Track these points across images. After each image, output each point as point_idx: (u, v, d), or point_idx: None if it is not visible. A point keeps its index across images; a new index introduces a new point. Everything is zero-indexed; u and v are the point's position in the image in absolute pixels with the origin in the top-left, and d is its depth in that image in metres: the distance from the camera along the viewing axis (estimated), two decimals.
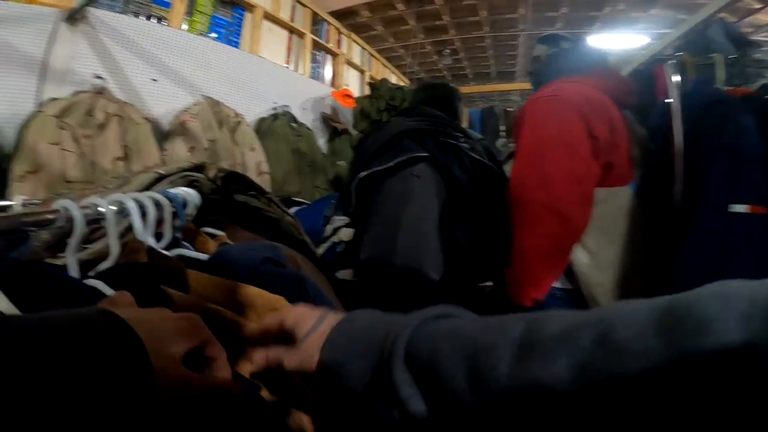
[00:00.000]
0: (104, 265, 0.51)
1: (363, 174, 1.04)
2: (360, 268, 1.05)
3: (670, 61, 1.14)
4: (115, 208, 0.52)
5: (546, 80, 1.16)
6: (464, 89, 3.55)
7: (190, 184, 0.68)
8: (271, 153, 2.12)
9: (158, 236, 0.59)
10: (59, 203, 0.48)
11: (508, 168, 1.15)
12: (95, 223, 0.52)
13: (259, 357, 0.34)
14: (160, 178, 0.68)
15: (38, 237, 0.59)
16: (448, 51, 5.94)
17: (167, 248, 0.59)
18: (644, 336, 0.16)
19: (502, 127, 3.63)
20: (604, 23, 5.43)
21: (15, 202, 1.14)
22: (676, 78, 1.11)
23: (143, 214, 0.55)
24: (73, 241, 0.44)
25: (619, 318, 0.17)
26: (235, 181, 0.74)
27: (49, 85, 1.63)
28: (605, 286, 0.98)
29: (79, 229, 0.46)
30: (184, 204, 0.63)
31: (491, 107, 3.72)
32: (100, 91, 1.66)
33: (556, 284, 1.02)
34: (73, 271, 0.45)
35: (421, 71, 6.30)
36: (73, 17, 1.72)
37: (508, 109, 3.89)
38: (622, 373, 0.15)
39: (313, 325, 0.32)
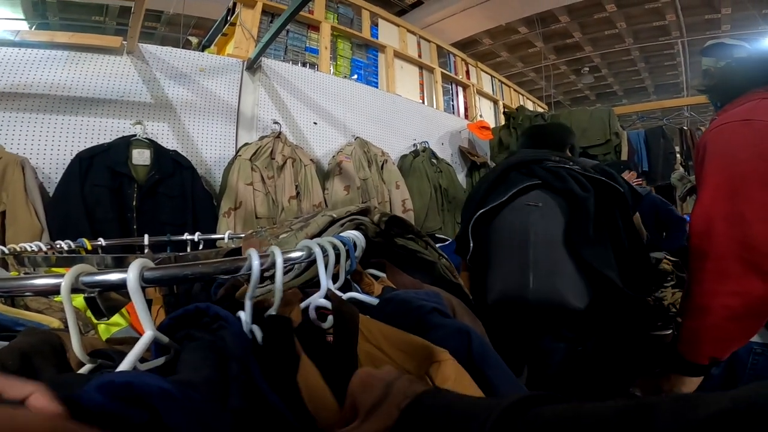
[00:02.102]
0: (270, 311, 0.53)
1: (480, 211, 1.06)
2: (488, 312, 1.01)
3: None
4: (302, 253, 0.58)
5: (727, 98, 0.96)
6: (618, 110, 3.19)
7: (357, 227, 0.74)
8: (414, 189, 2.21)
9: (333, 278, 0.62)
10: (269, 249, 0.54)
11: (688, 206, 0.97)
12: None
13: None
14: (333, 222, 0.75)
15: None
16: (587, 69, 5.58)
17: (341, 290, 0.62)
18: None
19: (677, 149, 3.16)
20: None
21: (224, 235, 1.39)
22: None
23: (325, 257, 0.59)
24: (251, 287, 0.49)
25: None
26: (396, 224, 0.78)
27: (242, 130, 1.99)
28: None
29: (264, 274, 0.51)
30: (354, 247, 0.66)
31: (659, 127, 3.25)
32: (278, 135, 1.95)
33: (755, 339, 0.84)
34: (248, 313, 0.49)
35: (558, 94, 6.03)
36: (252, 66, 2.09)
37: (684, 128, 3.36)
38: None
39: (380, 397, 0.29)
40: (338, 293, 0.60)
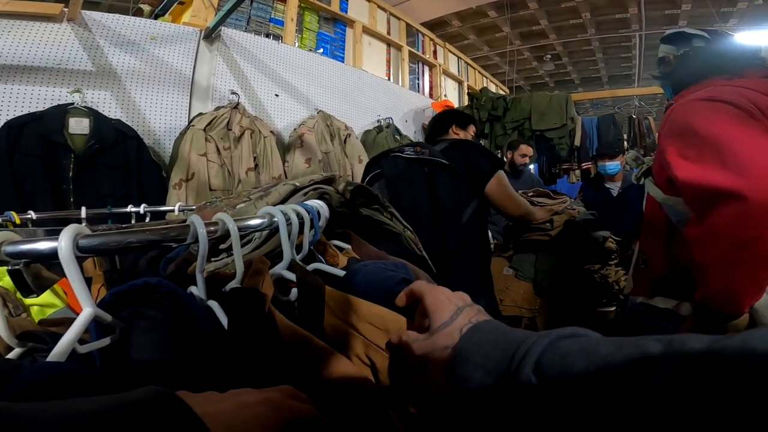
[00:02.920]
0: (231, 285, 0.50)
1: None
2: None
3: None
4: (262, 220, 0.53)
5: (683, 85, 1.00)
6: (574, 96, 3.28)
7: (321, 197, 0.70)
8: None
9: (296, 248, 0.59)
10: (217, 216, 0.50)
11: (649, 186, 1.00)
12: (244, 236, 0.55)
13: (394, 337, 0.38)
14: (295, 191, 0.71)
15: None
16: (548, 56, 5.67)
17: (304, 261, 0.59)
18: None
19: (625, 135, 3.30)
20: (741, 19, 4.76)
21: (175, 207, 1.29)
22: None
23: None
24: (200, 258, 0.44)
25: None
26: (362, 194, 0.75)
27: (195, 100, 1.86)
28: None
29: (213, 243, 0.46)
30: (318, 216, 0.63)
31: (611, 115, 3.39)
32: (235, 106, 1.84)
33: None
34: (201, 288, 0.45)
35: (520, 79, 6.11)
36: (210, 36, 1.95)
37: (633, 116, 3.51)
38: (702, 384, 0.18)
39: (450, 318, 0.35)
40: (302, 265, 0.56)
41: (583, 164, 3.04)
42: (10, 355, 0.35)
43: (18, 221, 1.15)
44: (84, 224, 1.24)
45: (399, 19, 3.45)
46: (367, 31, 3.04)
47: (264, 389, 0.29)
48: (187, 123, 1.72)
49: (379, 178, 1.36)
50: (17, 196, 1.36)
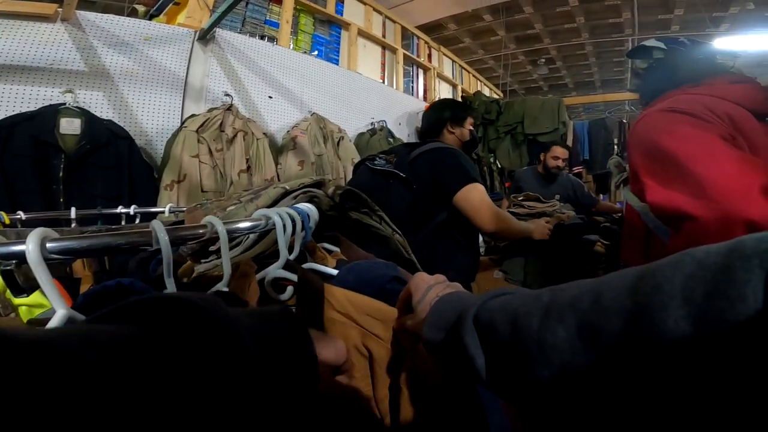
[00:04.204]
0: (217, 287, 0.52)
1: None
2: None
3: None
4: (254, 223, 0.54)
5: (650, 96, 1.02)
6: (567, 101, 3.31)
7: (311, 200, 0.71)
8: None
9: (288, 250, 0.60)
10: (206, 219, 0.50)
11: (626, 193, 1.02)
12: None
13: (398, 322, 0.45)
14: (285, 194, 0.72)
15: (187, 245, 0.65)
16: (542, 60, 5.70)
17: (296, 261, 0.60)
18: (621, 297, 0.20)
19: (615, 140, 3.33)
20: (732, 24, 4.81)
21: (165, 209, 1.29)
22: None
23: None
24: (165, 265, 0.44)
25: (607, 284, 0.21)
26: (351, 198, 0.76)
27: (188, 101, 1.85)
28: None
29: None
30: (308, 219, 0.64)
31: (602, 119, 3.41)
32: (229, 108, 1.83)
33: None
34: (171, 290, 0.45)
35: (514, 82, 6.14)
36: (204, 37, 1.95)
37: (623, 120, 3.54)
38: (607, 327, 0.20)
39: (422, 295, 0.40)
40: (301, 267, 0.57)
41: (574, 168, 3.06)
42: None
43: (7, 221, 1.14)
44: (74, 225, 1.24)
45: (394, 22, 3.46)
46: (362, 33, 3.04)
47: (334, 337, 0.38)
48: (179, 124, 1.72)
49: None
50: (7, 195, 1.35)
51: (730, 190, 0.73)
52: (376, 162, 1.34)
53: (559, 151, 2.37)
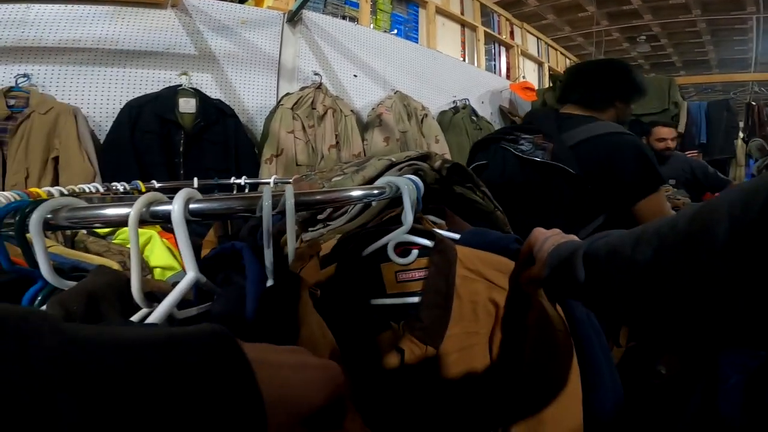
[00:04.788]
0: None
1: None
2: None
3: None
4: (384, 189, 0.54)
5: None
6: (678, 80, 2.90)
7: (416, 173, 0.70)
8: (453, 145, 2.11)
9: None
10: (288, 189, 0.48)
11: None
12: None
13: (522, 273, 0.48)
14: (391, 165, 0.71)
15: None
16: (643, 37, 5.07)
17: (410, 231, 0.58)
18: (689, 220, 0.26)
19: (741, 124, 2.87)
20: None
21: (270, 180, 1.36)
22: None
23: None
24: (265, 234, 0.41)
25: (682, 214, 0.27)
26: (457, 172, 0.74)
27: (282, 81, 1.94)
28: None
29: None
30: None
31: (725, 100, 2.93)
32: (319, 86, 1.88)
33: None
34: (268, 265, 0.43)
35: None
36: (293, 19, 2.00)
37: (752, 102, 3.03)
38: (681, 240, 0.26)
39: (541, 245, 0.44)
40: (438, 232, 0.59)
41: (687, 153, 2.68)
42: (136, 317, 0.36)
43: (144, 189, 1.28)
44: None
45: None
46: (440, 11, 2.94)
47: (324, 359, 0.28)
48: (275, 102, 1.81)
49: (484, 169, 1.14)
50: (138, 167, 1.53)
51: None
52: (524, 147, 1.07)
53: (664, 131, 2.10)
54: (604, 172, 0.99)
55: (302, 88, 1.86)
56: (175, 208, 0.33)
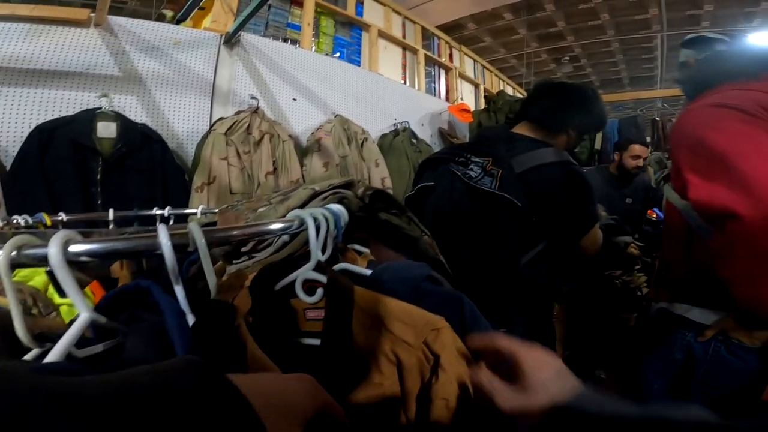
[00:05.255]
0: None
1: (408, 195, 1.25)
2: None
3: None
4: (292, 223, 0.53)
5: (701, 89, 0.96)
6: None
7: (340, 201, 0.70)
8: (394, 169, 2.17)
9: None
10: (189, 227, 0.48)
11: (667, 191, 0.96)
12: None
13: (481, 377, 0.43)
14: (314, 195, 0.71)
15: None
16: (567, 58, 5.58)
17: (326, 263, 0.58)
18: None
19: (648, 139, 3.21)
20: (766, 19, 4.60)
21: (197, 210, 1.31)
22: None
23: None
24: (170, 269, 0.40)
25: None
26: (380, 199, 0.75)
27: (216, 105, 1.88)
28: None
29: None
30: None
31: (633, 117, 3.29)
32: (255, 110, 1.85)
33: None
34: (181, 300, 0.42)
35: (537, 81, 6.05)
36: (230, 41, 1.97)
37: (656, 118, 3.42)
38: None
39: (549, 378, 0.39)
40: (332, 269, 0.57)
41: (601, 166, 2.97)
42: (28, 356, 0.35)
43: (49, 223, 1.17)
44: (111, 226, 1.27)
45: (414, 22, 3.44)
46: (382, 35, 3.04)
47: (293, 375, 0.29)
48: (208, 127, 1.75)
49: (431, 191, 1.16)
50: (48, 198, 1.40)
51: None
52: (472, 173, 1.07)
53: (638, 149, 2.11)
54: (549, 204, 1.02)
55: (237, 112, 1.82)
56: (52, 252, 0.32)
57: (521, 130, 1.17)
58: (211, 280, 0.45)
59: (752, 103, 0.80)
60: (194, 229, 0.42)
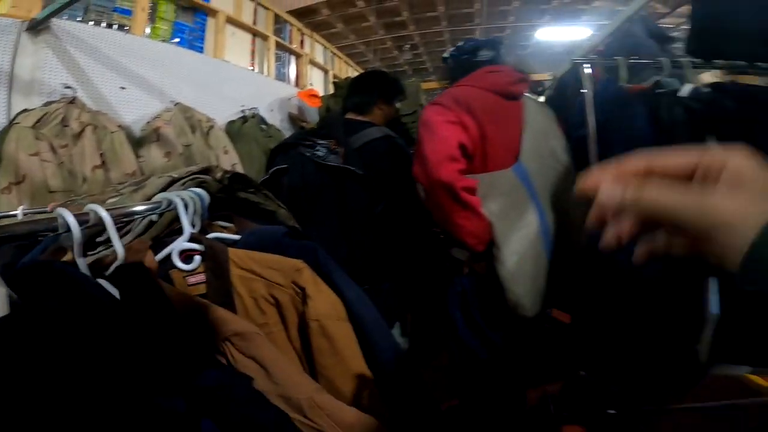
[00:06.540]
0: (115, 266, 0.56)
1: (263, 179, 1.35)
2: None
3: (584, 64, 1.37)
4: (158, 204, 0.63)
5: (450, 84, 1.36)
6: (426, 85, 3.73)
7: (199, 185, 0.76)
8: (244, 155, 2.24)
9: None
10: (88, 207, 0.56)
11: None
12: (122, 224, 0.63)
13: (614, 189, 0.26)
14: (173, 182, 0.76)
15: (68, 238, 0.73)
16: (408, 46, 6.16)
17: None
18: None
19: None
20: (553, 16, 5.80)
21: (17, 212, 1.20)
22: (589, 75, 1.34)
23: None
24: (76, 246, 0.48)
25: None
26: (238, 180, 0.84)
27: (17, 96, 1.68)
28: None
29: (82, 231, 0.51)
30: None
31: None
32: (72, 101, 1.72)
33: None
34: (84, 270, 0.50)
35: (382, 67, 6.49)
36: (35, 28, 1.77)
37: None
38: None
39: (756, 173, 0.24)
40: (206, 237, 0.66)
41: None
42: None
43: None
44: None
45: (267, 9, 3.42)
46: (231, 20, 2.97)
47: None
48: (8, 121, 1.57)
49: (284, 173, 1.32)
50: None
51: (431, 161, 1.10)
52: (318, 152, 1.26)
53: None
54: (379, 170, 1.28)
55: (47, 103, 1.67)
56: None
57: (351, 116, 1.49)
58: (119, 246, 0.54)
59: (449, 97, 1.20)
60: (96, 208, 0.51)
